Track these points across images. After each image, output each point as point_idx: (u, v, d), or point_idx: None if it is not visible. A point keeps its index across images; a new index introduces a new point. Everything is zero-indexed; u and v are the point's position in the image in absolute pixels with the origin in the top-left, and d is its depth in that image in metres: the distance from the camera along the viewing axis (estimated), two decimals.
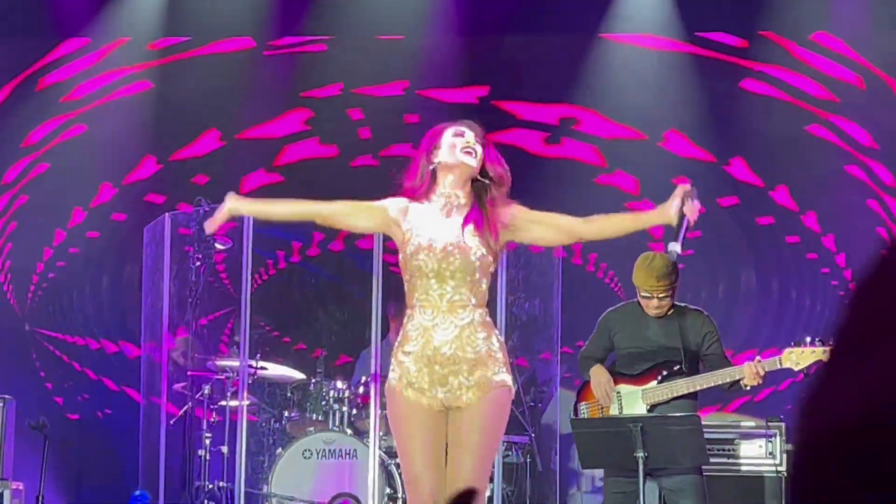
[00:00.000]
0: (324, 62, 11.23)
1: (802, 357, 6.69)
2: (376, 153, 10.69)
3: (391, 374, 5.17)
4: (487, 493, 9.17)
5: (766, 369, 6.75)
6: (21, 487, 9.29)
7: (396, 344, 5.19)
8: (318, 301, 11.33)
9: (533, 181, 10.89)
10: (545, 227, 5.25)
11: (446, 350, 5.03)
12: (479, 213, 5.13)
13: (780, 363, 6.74)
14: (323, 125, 11.10)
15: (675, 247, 5.01)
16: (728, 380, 6.87)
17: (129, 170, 11.31)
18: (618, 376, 7.17)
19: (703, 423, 6.82)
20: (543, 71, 11.12)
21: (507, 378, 5.13)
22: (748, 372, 6.77)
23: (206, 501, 8.99)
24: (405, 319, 5.18)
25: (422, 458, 5.05)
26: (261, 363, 9.26)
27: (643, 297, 7.07)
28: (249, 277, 8.86)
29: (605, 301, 10.56)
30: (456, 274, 5.05)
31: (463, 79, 11.16)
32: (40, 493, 8.71)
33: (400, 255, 5.19)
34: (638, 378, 7.12)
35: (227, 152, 11.27)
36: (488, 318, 5.16)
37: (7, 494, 8.85)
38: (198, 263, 9.10)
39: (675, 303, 7.18)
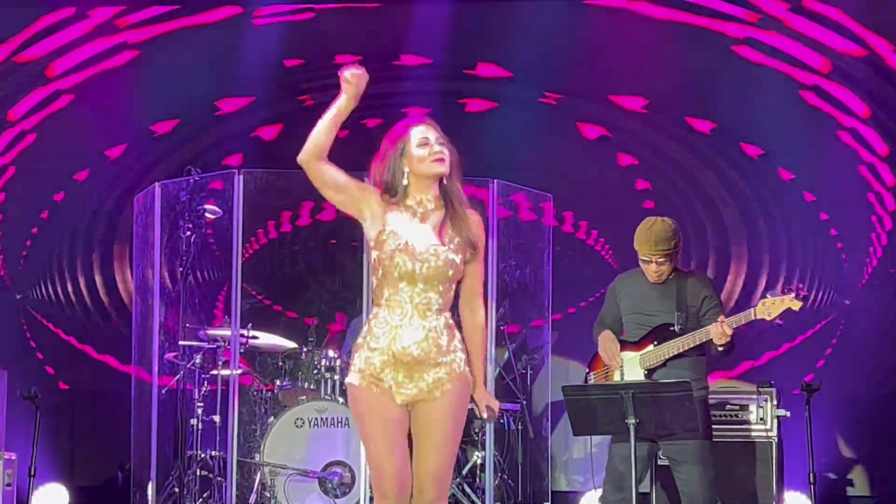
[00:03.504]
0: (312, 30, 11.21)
1: (773, 307, 6.72)
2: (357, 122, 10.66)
3: (354, 370, 5.19)
4: (480, 461, 9.21)
5: (734, 326, 6.78)
6: (13, 457, 9.30)
7: (360, 338, 5.22)
8: (309, 270, 11.32)
9: (531, 146, 10.91)
10: (467, 275, 5.28)
11: (413, 350, 5.10)
12: (453, 221, 5.21)
13: (755, 314, 6.77)
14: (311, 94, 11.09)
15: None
16: (699, 340, 6.90)
17: (118, 140, 11.28)
18: (622, 344, 7.20)
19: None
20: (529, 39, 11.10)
21: (468, 372, 5.21)
22: (714, 332, 6.81)
23: (198, 470, 8.99)
24: (370, 315, 5.23)
25: (390, 453, 5.09)
26: (252, 332, 9.26)
27: (642, 261, 7.10)
28: (240, 247, 8.85)
29: (595, 268, 10.62)
30: (429, 279, 5.13)
31: (447, 47, 11.13)
32: (32, 464, 8.71)
33: (374, 254, 5.21)
34: (638, 344, 7.16)
35: (212, 121, 11.26)
36: (451, 321, 5.23)
37: None
38: (188, 233, 9.07)
39: (680, 269, 7.19)
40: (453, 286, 5.22)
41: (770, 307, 6.73)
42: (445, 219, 5.22)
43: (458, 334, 5.23)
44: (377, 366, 5.12)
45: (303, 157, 5.13)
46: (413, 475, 5.12)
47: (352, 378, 5.18)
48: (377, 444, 5.10)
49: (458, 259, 5.18)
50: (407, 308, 5.13)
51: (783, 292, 6.73)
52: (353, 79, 5.08)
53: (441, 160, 5.19)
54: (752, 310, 6.80)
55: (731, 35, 10.82)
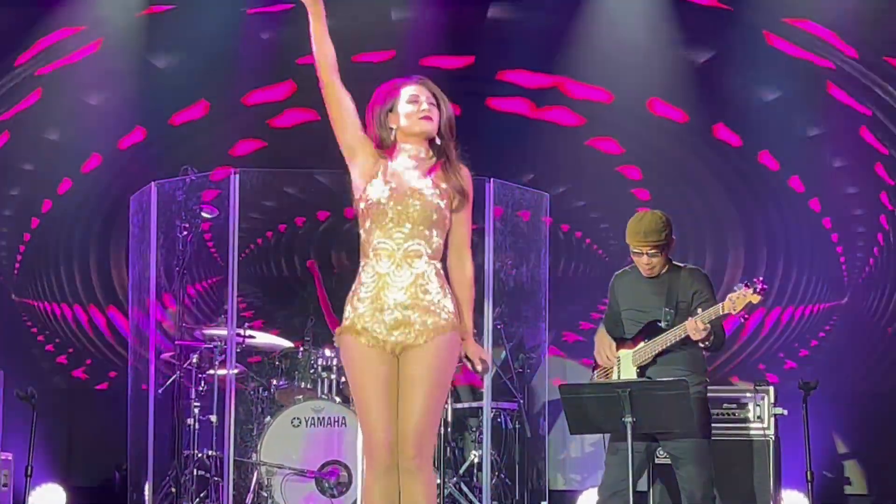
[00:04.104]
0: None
1: (738, 301, 6.73)
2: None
3: (345, 320, 5.23)
4: (477, 460, 9.21)
5: (706, 321, 6.78)
6: (10, 458, 9.28)
7: (351, 291, 5.26)
8: (305, 269, 11.30)
9: (525, 144, 10.91)
10: (455, 222, 5.32)
11: (400, 296, 5.14)
12: (444, 170, 5.27)
13: (722, 309, 6.77)
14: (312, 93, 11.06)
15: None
16: (679, 336, 6.90)
17: (117, 139, 11.27)
18: (620, 341, 7.19)
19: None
20: (529, 36, 11.10)
21: (457, 322, 5.23)
22: (689, 327, 6.80)
23: (195, 470, 8.98)
24: (360, 268, 5.26)
25: (376, 401, 5.13)
26: (248, 332, 9.25)
27: (634, 254, 7.09)
28: (237, 246, 8.83)
29: (592, 266, 10.61)
30: (414, 222, 5.18)
31: (450, 46, 11.13)
32: (29, 464, 8.71)
33: (360, 205, 5.25)
34: (632, 341, 7.14)
35: (215, 120, 11.25)
36: (441, 272, 5.26)
37: None
38: (185, 233, 9.06)
39: (675, 263, 7.18)
40: (441, 234, 5.25)
41: (735, 301, 6.73)
42: (436, 166, 5.28)
43: (448, 287, 5.26)
44: (366, 315, 5.15)
45: (322, 77, 5.23)
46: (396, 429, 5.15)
47: (342, 329, 5.22)
48: (368, 406, 5.15)
49: (443, 204, 5.23)
50: (395, 255, 5.17)
51: (746, 286, 6.74)
52: None
53: (428, 118, 5.26)
54: (720, 304, 6.80)
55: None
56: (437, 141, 5.30)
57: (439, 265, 5.25)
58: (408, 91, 5.31)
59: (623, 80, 11.02)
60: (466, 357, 5.30)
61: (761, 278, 6.74)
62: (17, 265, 11.27)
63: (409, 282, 5.16)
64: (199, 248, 9.35)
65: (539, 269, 9.63)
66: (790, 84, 10.81)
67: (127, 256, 9.79)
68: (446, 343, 5.18)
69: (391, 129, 5.29)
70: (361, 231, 5.27)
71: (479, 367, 5.33)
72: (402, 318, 5.14)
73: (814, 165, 10.81)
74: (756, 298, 6.72)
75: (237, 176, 8.86)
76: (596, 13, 11.04)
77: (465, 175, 5.33)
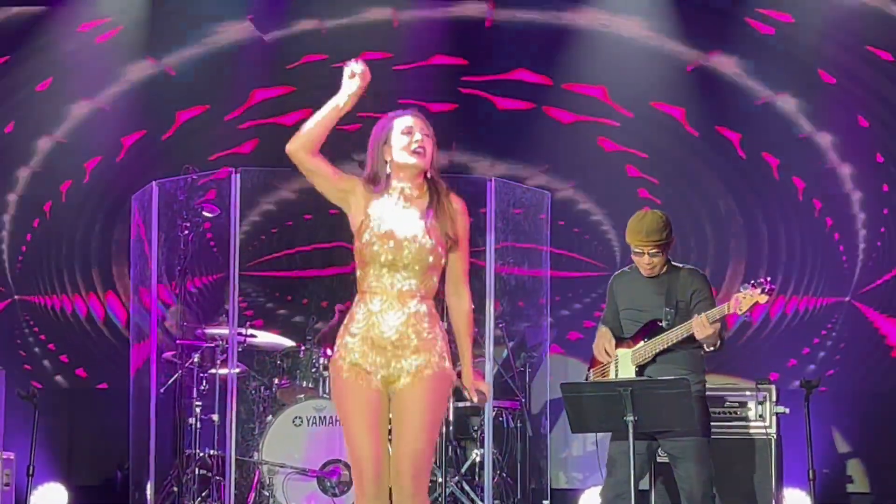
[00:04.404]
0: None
1: (744, 301, 6.70)
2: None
3: (336, 355, 5.24)
4: (479, 459, 9.20)
5: (711, 320, 6.77)
6: (12, 457, 9.28)
7: (343, 326, 5.27)
8: (307, 267, 11.30)
9: (527, 143, 10.92)
10: (451, 260, 5.33)
11: (391, 334, 5.16)
12: (437, 210, 5.26)
13: (728, 309, 6.75)
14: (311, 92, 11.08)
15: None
16: (683, 335, 6.89)
17: (119, 138, 11.28)
18: (618, 340, 7.18)
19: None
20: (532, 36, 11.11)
21: (448, 365, 5.23)
22: (695, 324, 6.78)
23: (197, 469, 8.98)
24: (353, 304, 5.27)
25: (366, 437, 5.14)
26: (250, 331, 9.25)
27: (635, 253, 7.08)
28: (237, 245, 8.83)
29: (594, 265, 10.61)
30: (409, 265, 5.18)
31: (449, 46, 11.15)
32: (31, 463, 8.71)
33: (355, 243, 5.25)
34: (631, 340, 7.14)
35: (216, 119, 11.26)
36: (434, 311, 5.26)
37: None
38: (186, 232, 9.06)
39: (674, 263, 7.18)
40: (436, 274, 5.26)
41: (742, 301, 6.71)
42: (429, 208, 5.26)
43: (440, 324, 5.27)
44: (356, 351, 5.17)
45: (292, 147, 5.16)
46: (391, 467, 5.15)
47: (334, 363, 5.24)
48: (358, 440, 5.15)
49: (438, 247, 5.23)
50: (388, 295, 5.18)
51: (752, 286, 6.72)
52: (359, 75, 5.13)
53: (419, 152, 5.25)
54: (725, 305, 6.78)
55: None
56: (429, 174, 5.29)
57: (431, 303, 5.25)
58: (402, 122, 5.30)
59: (623, 78, 11.03)
60: (461, 385, 5.31)
61: (768, 278, 6.71)
62: (18, 264, 11.27)
63: (400, 321, 5.17)
64: (200, 248, 9.35)
65: (540, 267, 9.63)
66: (790, 83, 10.81)
67: (129, 256, 9.79)
68: (437, 380, 5.18)
69: (386, 162, 5.27)
70: (358, 269, 5.27)
71: (475, 399, 5.34)
72: (392, 356, 5.16)
73: (814, 164, 10.80)
74: (764, 298, 6.70)
75: (238, 175, 8.86)
76: (597, 11, 11.04)
77: (457, 213, 5.31)
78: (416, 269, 5.18)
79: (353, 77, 5.14)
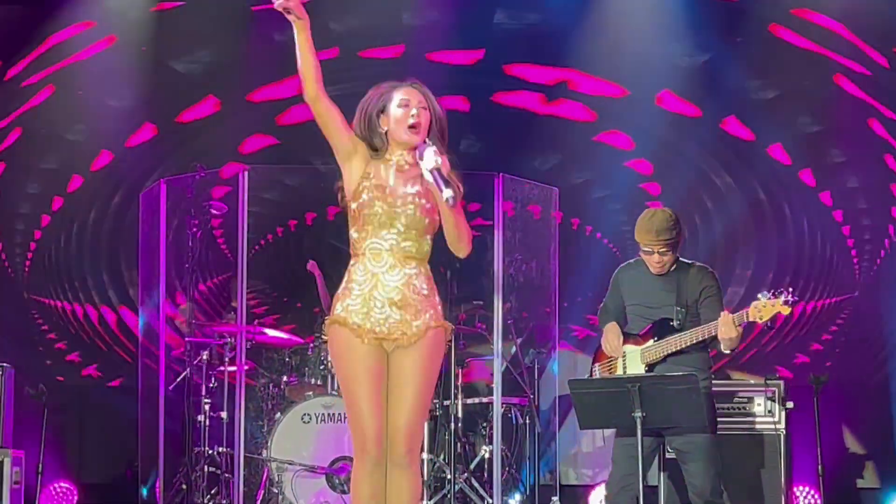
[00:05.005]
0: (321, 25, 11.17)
1: (765, 310, 6.67)
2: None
3: (334, 312, 5.31)
4: (487, 455, 9.20)
5: (737, 322, 6.75)
6: (21, 455, 9.29)
7: (341, 288, 5.35)
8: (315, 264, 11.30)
9: (534, 139, 10.91)
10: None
11: (393, 295, 5.25)
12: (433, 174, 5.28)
13: (747, 316, 6.72)
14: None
15: (447, 192, 5.18)
16: (701, 337, 6.86)
17: (127, 136, 11.28)
18: (626, 336, 7.17)
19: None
20: (540, 32, 11.09)
21: (443, 321, 5.36)
22: (722, 321, 6.74)
23: (206, 467, 9.00)
24: (350, 265, 5.34)
25: (367, 395, 5.23)
26: (258, 328, 9.26)
27: (644, 252, 7.06)
28: (246, 243, 8.83)
29: (600, 261, 10.60)
30: (406, 227, 5.28)
31: (460, 41, 11.12)
32: (40, 462, 8.73)
33: (353, 205, 5.32)
34: (640, 337, 7.12)
35: (224, 117, 11.25)
36: (430, 272, 5.37)
37: (7, 462, 8.86)
38: (195, 230, 9.07)
39: (683, 260, 7.16)
40: (431, 238, 5.35)
41: (762, 310, 6.67)
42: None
43: (435, 288, 5.38)
44: (358, 311, 5.25)
45: (306, 92, 5.27)
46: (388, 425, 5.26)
47: (333, 320, 5.30)
48: (358, 400, 5.24)
49: (434, 211, 5.31)
50: (386, 256, 5.27)
51: (774, 296, 6.67)
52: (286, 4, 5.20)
53: (415, 127, 5.31)
54: (745, 311, 6.74)
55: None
56: (426, 142, 5.33)
57: (427, 267, 5.36)
58: (399, 94, 5.37)
59: (633, 74, 11.01)
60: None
61: (791, 289, 6.66)
62: (27, 262, 11.28)
63: (401, 282, 5.27)
64: (208, 245, 9.36)
65: (548, 263, 9.63)
66: (799, 77, 10.78)
67: (137, 254, 9.80)
68: (434, 341, 5.31)
69: (382, 130, 5.36)
70: (353, 231, 5.35)
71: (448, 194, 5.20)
72: (392, 317, 5.24)
73: (824, 159, 10.79)
74: (786, 310, 6.65)
75: (246, 173, 8.87)
76: (606, 6, 11.02)
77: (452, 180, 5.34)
78: (412, 231, 5.28)
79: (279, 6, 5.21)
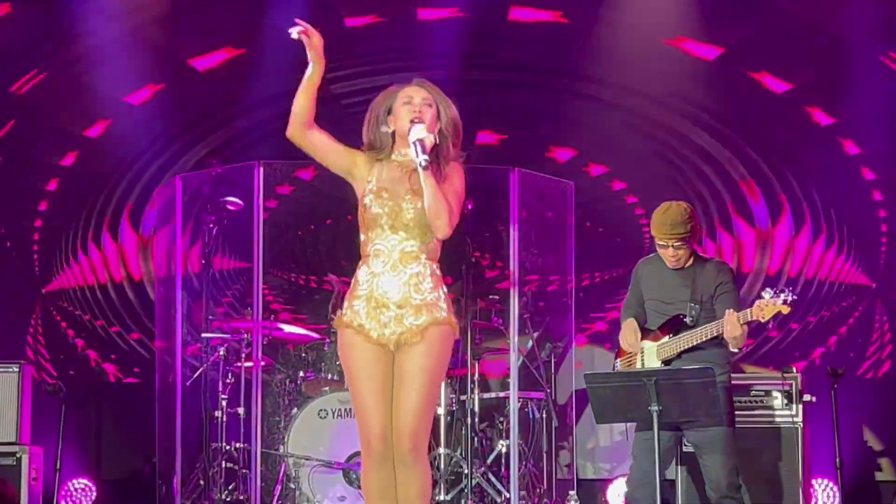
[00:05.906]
0: None
1: (767, 309, 6.66)
2: None
3: (343, 315, 5.41)
4: (504, 450, 9.20)
5: (743, 321, 6.73)
6: (39, 452, 9.31)
7: (349, 289, 5.44)
8: (331, 260, 11.29)
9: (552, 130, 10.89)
10: None
11: (394, 294, 5.33)
12: (436, 172, 5.34)
13: (751, 315, 6.72)
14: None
15: (422, 157, 5.25)
16: (712, 334, 6.84)
17: (142, 134, 11.30)
18: (644, 332, 7.16)
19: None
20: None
21: (450, 317, 5.40)
22: (727, 320, 6.74)
23: (223, 463, 9.00)
24: (357, 268, 5.44)
25: (372, 395, 5.34)
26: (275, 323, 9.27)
27: (659, 246, 7.06)
28: (261, 238, 8.84)
29: (620, 254, 10.59)
30: (409, 227, 5.35)
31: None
32: (58, 459, 8.75)
33: (359, 208, 5.42)
34: (656, 333, 7.12)
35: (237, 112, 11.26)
36: (438, 272, 5.44)
37: (25, 459, 8.89)
38: (210, 225, 9.08)
39: (700, 255, 7.14)
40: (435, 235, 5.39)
41: (764, 308, 6.66)
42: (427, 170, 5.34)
43: (442, 286, 5.44)
44: (362, 312, 5.34)
45: (290, 131, 5.37)
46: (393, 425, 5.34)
47: (340, 323, 5.41)
48: (364, 400, 5.35)
49: None
50: (390, 256, 5.35)
51: (775, 294, 6.67)
52: (300, 37, 5.26)
53: (415, 122, 5.35)
54: (748, 310, 6.74)
55: None
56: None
57: (435, 265, 5.42)
58: (404, 92, 5.45)
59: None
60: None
61: (790, 288, 6.66)
62: (42, 256, 11.27)
63: (403, 281, 5.33)
64: (224, 241, 9.37)
65: (565, 257, 9.62)
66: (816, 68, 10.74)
67: (153, 249, 9.81)
68: (439, 339, 5.36)
69: (388, 129, 5.44)
70: (361, 234, 5.44)
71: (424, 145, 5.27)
72: (395, 316, 5.32)
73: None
74: (786, 310, 6.65)
75: (261, 168, 8.87)
76: None
77: (456, 176, 5.41)
78: (415, 230, 5.34)
79: (309, 42, 5.28)
